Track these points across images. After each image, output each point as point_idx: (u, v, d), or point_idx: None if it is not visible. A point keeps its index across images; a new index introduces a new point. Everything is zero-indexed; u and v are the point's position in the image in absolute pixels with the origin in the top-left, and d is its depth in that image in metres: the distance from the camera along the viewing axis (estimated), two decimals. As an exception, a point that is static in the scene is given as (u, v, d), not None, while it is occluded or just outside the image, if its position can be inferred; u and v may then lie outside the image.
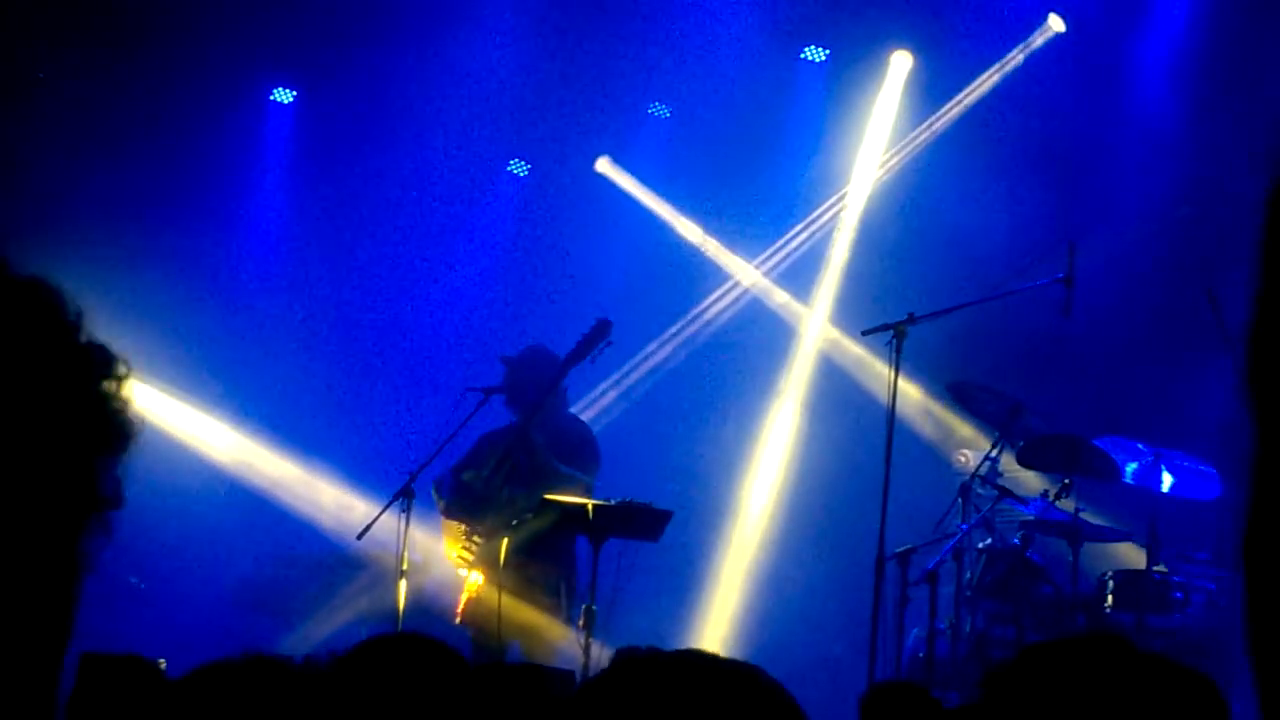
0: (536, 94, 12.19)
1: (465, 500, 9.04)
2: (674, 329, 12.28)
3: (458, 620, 8.84)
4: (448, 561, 9.23)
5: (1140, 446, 9.39)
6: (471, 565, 8.90)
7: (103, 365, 1.46)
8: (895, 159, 12.08)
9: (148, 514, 11.10)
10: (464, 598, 8.90)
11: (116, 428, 1.43)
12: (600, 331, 8.78)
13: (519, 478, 8.85)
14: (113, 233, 11.05)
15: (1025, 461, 9.25)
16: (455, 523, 9.07)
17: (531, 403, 8.95)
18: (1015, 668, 1.96)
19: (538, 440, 8.89)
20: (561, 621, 8.76)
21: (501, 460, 8.91)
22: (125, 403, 1.45)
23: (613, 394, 11.99)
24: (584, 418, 10.33)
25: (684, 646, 10.47)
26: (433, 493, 9.10)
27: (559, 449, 8.96)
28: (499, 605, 8.39)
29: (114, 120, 11.18)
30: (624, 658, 2.00)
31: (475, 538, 8.93)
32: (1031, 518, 9.00)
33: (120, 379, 1.45)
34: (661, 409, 12.05)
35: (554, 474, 8.82)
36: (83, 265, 11.08)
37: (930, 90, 11.97)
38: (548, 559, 8.76)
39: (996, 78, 11.77)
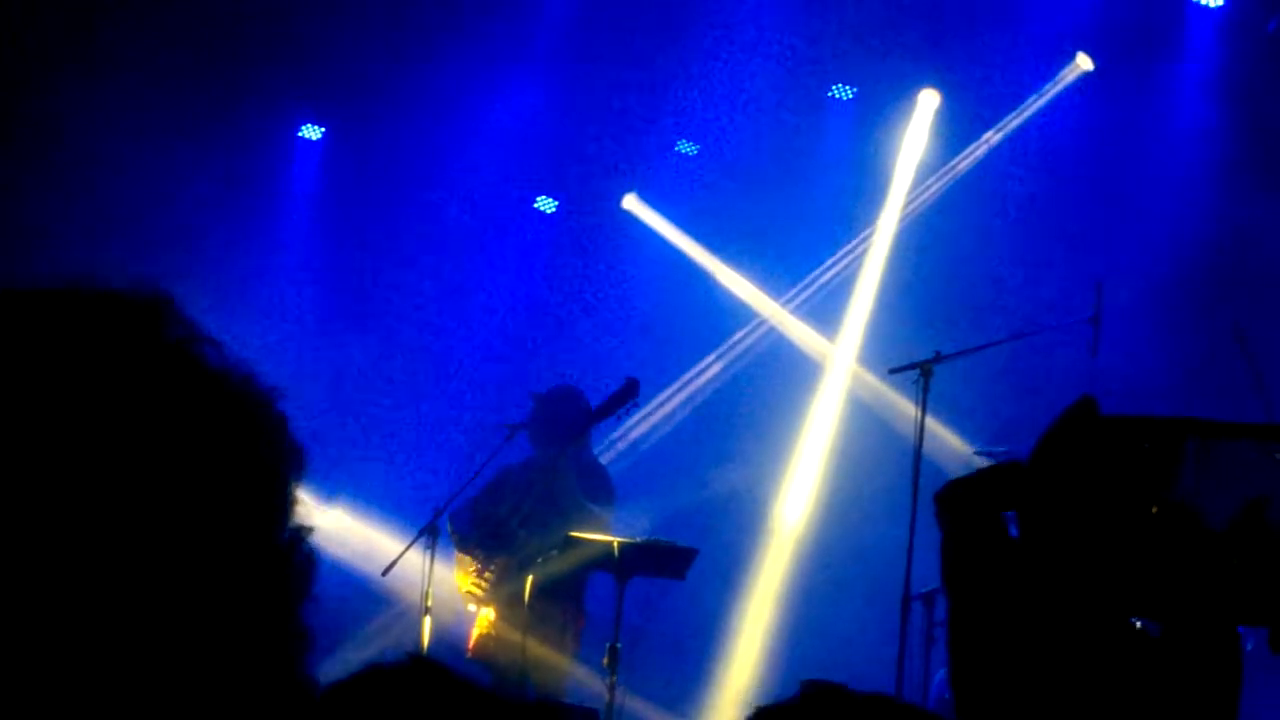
0: (564, 131, 12.22)
1: (480, 534, 9.06)
2: (699, 366, 12.26)
3: (469, 655, 8.86)
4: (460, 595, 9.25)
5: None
6: (482, 602, 8.93)
7: (296, 479, 1.27)
8: (923, 196, 12.07)
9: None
10: (475, 633, 8.92)
11: (307, 572, 1.27)
12: (629, 391, 8.78)
13: (534, 520, 8.87)
14: (138, 268, 11.07)
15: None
16: (468, 557, 9.08)
17: (559, 441, 8.95)
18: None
19: (569, 470, 8.89)
20: (566, 655, 8.78)
21: (519, 500, 8.92)
22: (310, 535, 1.27)
23: (638, 430, 11.98)
24: (609, 454, 10.33)
25: (706, 686, 10.45)
26: (448, 526, 9.11)
27: (580, 486, 8.98)
28: (523, 643, 8.38)
29: (140, 154, 11.22)
30: (813, 688, 1.86)
31: (487, 574, 8.95)
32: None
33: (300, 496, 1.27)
34: (687, 446, 12.03)
35: (577, 507, 8.83)
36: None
37: (958, 128, 11.96)
38: (554, 595, 8.76)
39: (1025, 115, 11.75)
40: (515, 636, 8.49)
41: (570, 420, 9.01)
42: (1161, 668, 1.07)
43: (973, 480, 1.20)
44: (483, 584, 8.94)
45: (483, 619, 8.92)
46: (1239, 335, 8.42)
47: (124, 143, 11.15)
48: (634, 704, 8.02)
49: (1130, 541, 1.16)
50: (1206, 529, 1.13)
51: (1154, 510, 1.12)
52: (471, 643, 8.91)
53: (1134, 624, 1.13)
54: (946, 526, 1.22)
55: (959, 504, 1.23)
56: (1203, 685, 1.09)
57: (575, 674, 8.82)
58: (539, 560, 8.71)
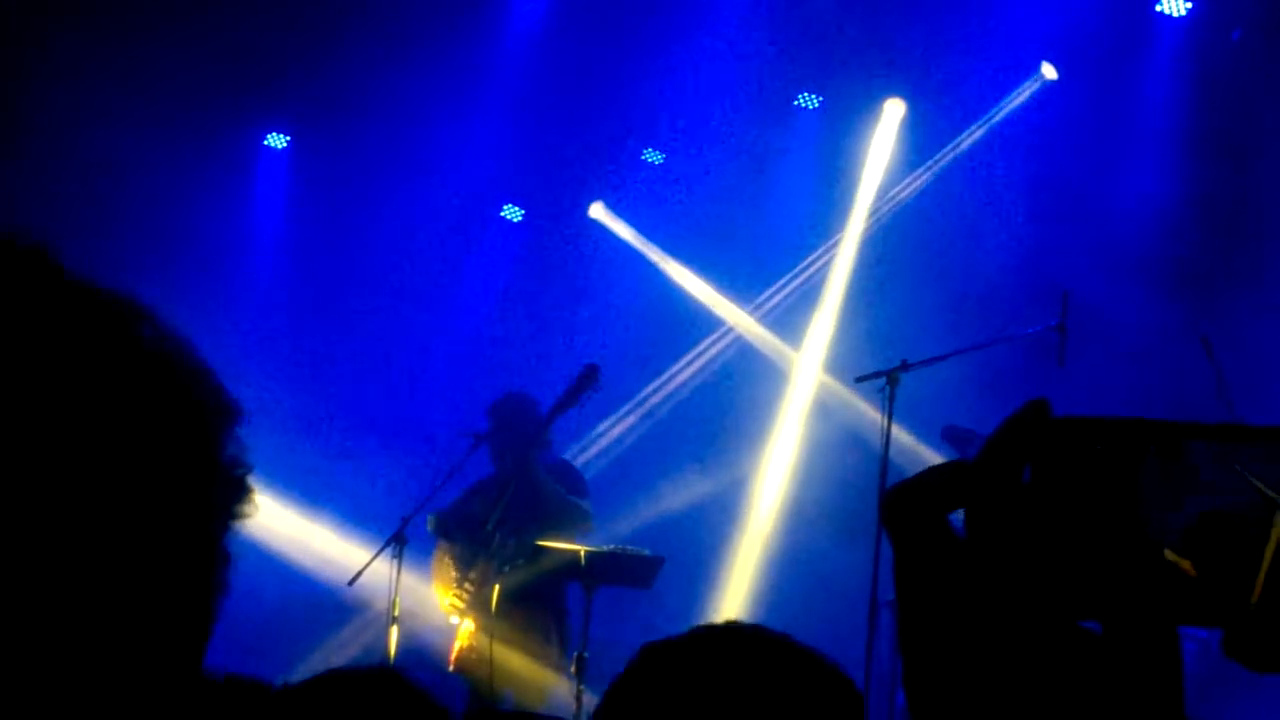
0: (530, 139, 12.22)
1: (463, 534, 8.99)
2: (666, 375, 12.26)
3: (451, 668, 8.82)
4: (440, 608, 9.21)
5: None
6: (463, 613, 8.88)
7: (219, 413, 1.24)
8: (888, 205, 12.09)
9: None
10: (457, 645, 8.87)
11: (240, 491, 1.23)
12: (588, 377, 8.75)
13: (510, 524, 8.83)
14: (104, 279, 11.02)
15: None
16: (447, 565, 9.03)
17: (522, 446, 8.91)
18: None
19: (539, 471, 8.86)
20: (552, 668, 8.74)
21: (493, 506, 8.88)
22: (244, 458, 1.24)
23: (605, 439, 11.98)
24: (576, 462, 10.30)
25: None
26: (430, 522, 9.05)
27: (545, 502, 8.95)
28: (490, 652, 8.36)
29: (104, 163, 11.17)
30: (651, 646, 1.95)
31: (467, 585, 8.90)
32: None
33: (236, 427, 1.24)
34: (653, 455, 12.02)
35: (557, 501, 8.81)
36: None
37: (924, 137, 12.00)
38: (538, 605, 8.74)
39: (991, 124, 11.79)
40: (496, 647, 8.45)
41: (527, 427, 9.00)
42: (1105, 668, 1.07)
43: (915, 482, 1.19)
44: (464, 595, 8.89)
45: (464, 632, 8.86)
46: (1206, 345, 8.45)
47: (90, 149, 11.10)
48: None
49: (1074, 543, 1.16)
50: (1144, 529, 1.13)
51: (1099, 512, 1.13)
52: (454, 655, 8.85)
53: (1078, 626, 1.14)
54: (891, 531, 1.21)
55: (902, 507, 1.23)
56: (1145, 685, 1.10)
57: (560, 683, 8.73)
58: (505, 569, 8.69)
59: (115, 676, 1.16)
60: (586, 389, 8.75)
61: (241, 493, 1.25)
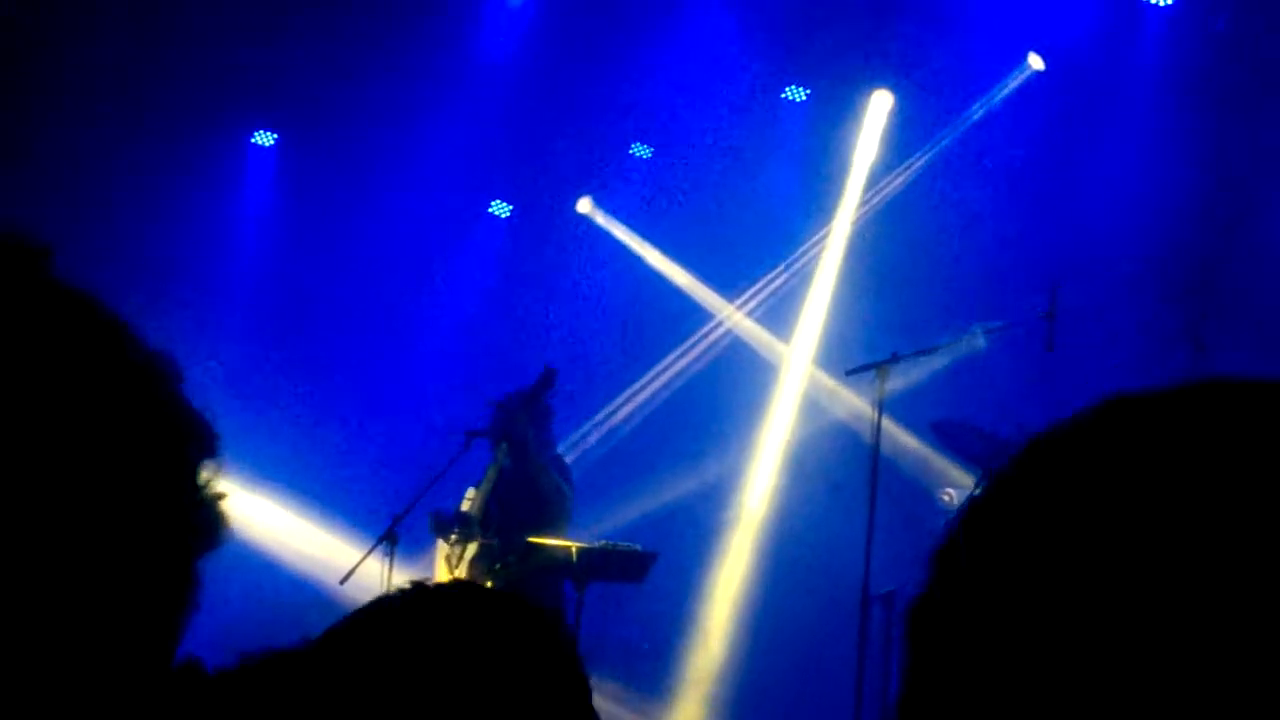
0: (518, 135, 12.20)
1: (458, 534, 8.99)
2: (656, 370, 12.25)
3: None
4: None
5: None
6: None
7: (199, 439, 1.22)
8: (877, 198, 12.09)
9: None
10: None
11: (212, 522, 1.20)
12: (545, 381, 8.77)
13: (494, 522, 8.82)
14: (92, 277, 10.99)
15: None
16: (443, 569, 9.01)
17: (510, 443, 8.91)
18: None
19: (529, 468, 8.85)
20: None
21: (484, 506, 8.86)
22: (218, 490, 1.21)
23: (595, 435, 11.97)
24: (567, 458, 10.29)
25: (667, 690, 10.40)
26: (430, 519, 9.03)
27: (536, 491, 8.93)
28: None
29: (93, 162, 11.15)
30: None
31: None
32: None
33: (213, 455, 1.21)
34: (643, 450, 12.01)
35: (547, 485, 8.82)
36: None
37: (911, 129, 11.99)
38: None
39: (978, 116, 11.79)
40: None
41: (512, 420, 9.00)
42: None
43: None
44: None
45: None
46: (1195, 334, 8.46)
47: (79, 147, 11.09)
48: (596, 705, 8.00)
49: None
50: None
51: None
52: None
53: None
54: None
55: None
56: None
57: None
58: (497, 568, 8.68)
59: (81, 687, 1.14)
60: (542, 393, 8.77)
61: (215, 518, 1.22)
